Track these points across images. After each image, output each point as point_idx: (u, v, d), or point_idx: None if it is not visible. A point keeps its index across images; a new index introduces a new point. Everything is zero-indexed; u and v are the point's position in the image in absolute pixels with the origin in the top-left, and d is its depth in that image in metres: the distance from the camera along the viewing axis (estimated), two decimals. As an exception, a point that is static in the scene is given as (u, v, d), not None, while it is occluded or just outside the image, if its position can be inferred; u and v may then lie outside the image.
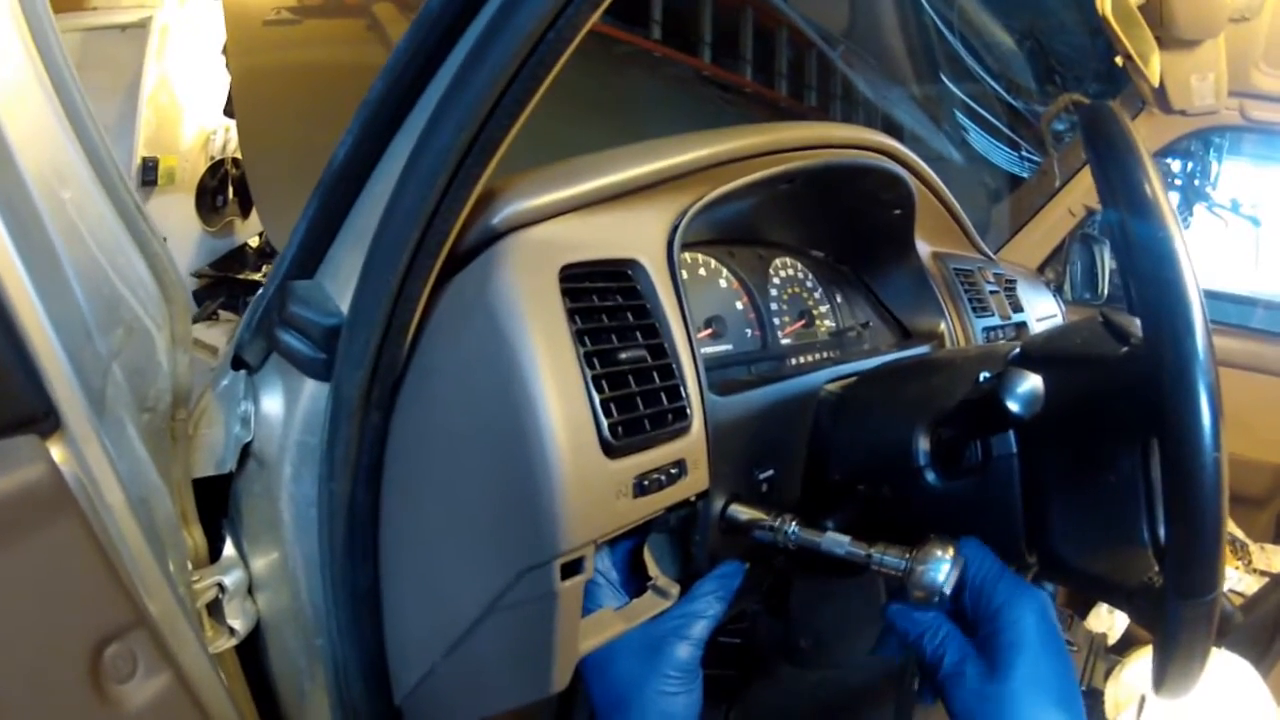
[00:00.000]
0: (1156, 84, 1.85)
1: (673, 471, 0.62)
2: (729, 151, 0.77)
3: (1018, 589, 0.61)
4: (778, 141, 0.83)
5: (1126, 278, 0.61)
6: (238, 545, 0.71)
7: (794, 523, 0.70)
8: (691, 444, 0.64)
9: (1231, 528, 1.82)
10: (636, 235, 0.67)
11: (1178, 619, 0.56)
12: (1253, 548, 1.87)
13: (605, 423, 0.57)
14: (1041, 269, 2.10)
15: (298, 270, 0.64)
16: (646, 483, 0.60)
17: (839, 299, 1.10)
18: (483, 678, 0.63)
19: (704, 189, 0.74)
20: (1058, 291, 1.66)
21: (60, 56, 0.51)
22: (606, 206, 0.67)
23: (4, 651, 0.45)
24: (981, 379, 0.70)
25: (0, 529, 0.45)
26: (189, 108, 2.59)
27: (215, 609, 0.70)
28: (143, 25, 2.52)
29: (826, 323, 1.07)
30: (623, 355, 0.60)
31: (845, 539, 0.67)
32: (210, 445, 0.70)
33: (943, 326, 1.11)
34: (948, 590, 0.61)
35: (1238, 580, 1.60)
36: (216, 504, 0.72)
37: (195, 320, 2.56)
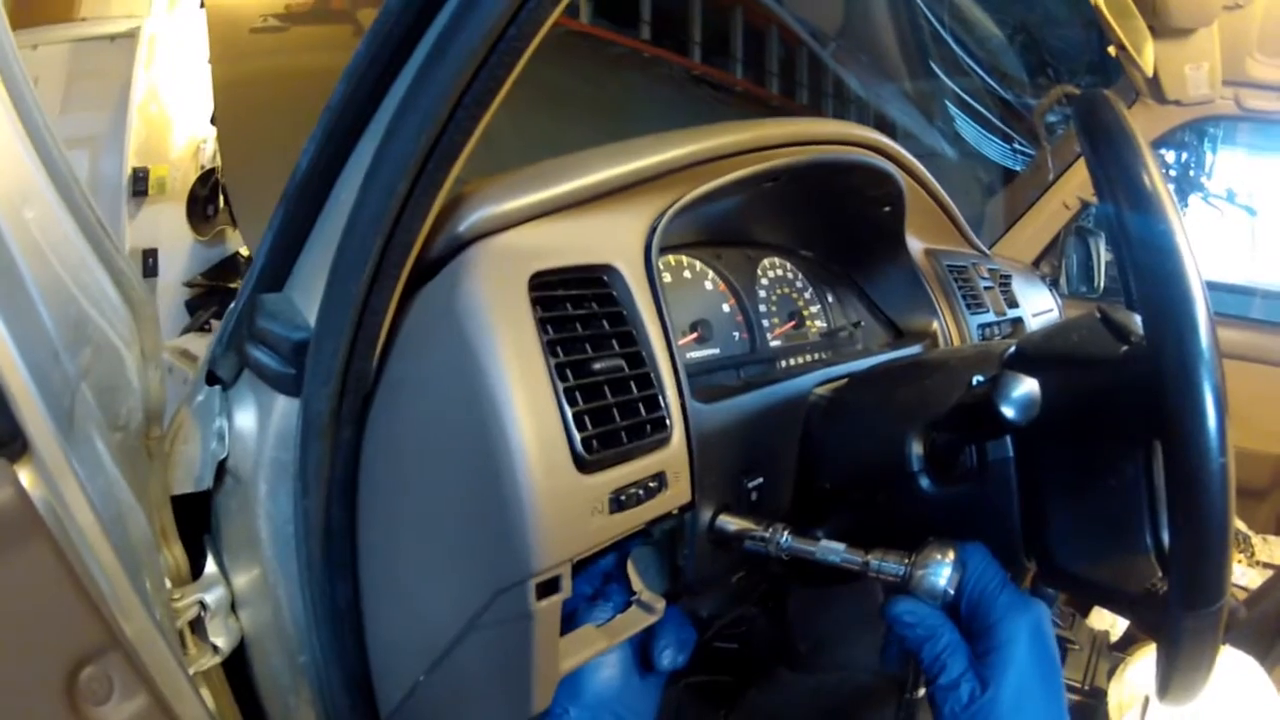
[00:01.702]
0: (1150, 74, 1.84)
1: (652, 485, 0.61)
2: (708, 150, 0.76)
3: (1015, 603, 0.60)
4: (759, 139, 0.81)
5: (1125, 272, 0.60)
6: (219, 562, 0.70)
7: (786, 532, 0.68)
8: (672, 455, 0.63)
9: (1236, 520, 1.80)
10: (612, 239, 0.66)
11: (1183, 629, 0.55)
12: (1255, 540, 1.85)
13: (579, 437, 0.56)
14: (1037, 263, 2.08)
15: (267, 282, 0.63)
16: (624, 498, 0.58)
17: (830, 299, 1.08)
18: (465, 696, 0.62)
19: (683, 189, 0.73)
20: (1054, 285, 1.64)
21: (19, 75, 0.50)
22: (580, 210, 0.65)
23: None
24: (975, 383, 0.68)
25: (-34, 557, 0.45)
26: (179, 117, 2.60)
27: (198, 626, 0.69)
28: (131, 35, 2.52)
29: (818, 323, 1.05)
30: (597, 366, 0.59)
31: (840, 546, 0.66)
32: (187, 462, 0.69)
33: (936, 325, 1.09)
34: (952, 591, 0.60)
35: (1241, 574, 1.58)
36: (199, 520, 0.71)
37: (187, 330, 2.56)
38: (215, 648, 0.68)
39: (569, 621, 0.63)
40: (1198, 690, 0.60)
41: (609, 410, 0.59)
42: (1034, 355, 0.70)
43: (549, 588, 0.55)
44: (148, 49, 2.51)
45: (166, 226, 2.56)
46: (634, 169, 0.68)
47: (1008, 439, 0.66)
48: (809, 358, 0.97)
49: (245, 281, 0.65)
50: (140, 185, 2.50)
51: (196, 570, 0.70)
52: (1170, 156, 2.44)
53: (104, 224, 0.55)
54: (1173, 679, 0.58)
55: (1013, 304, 1.34)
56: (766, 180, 0.81)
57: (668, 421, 0.63)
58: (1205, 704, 1.09)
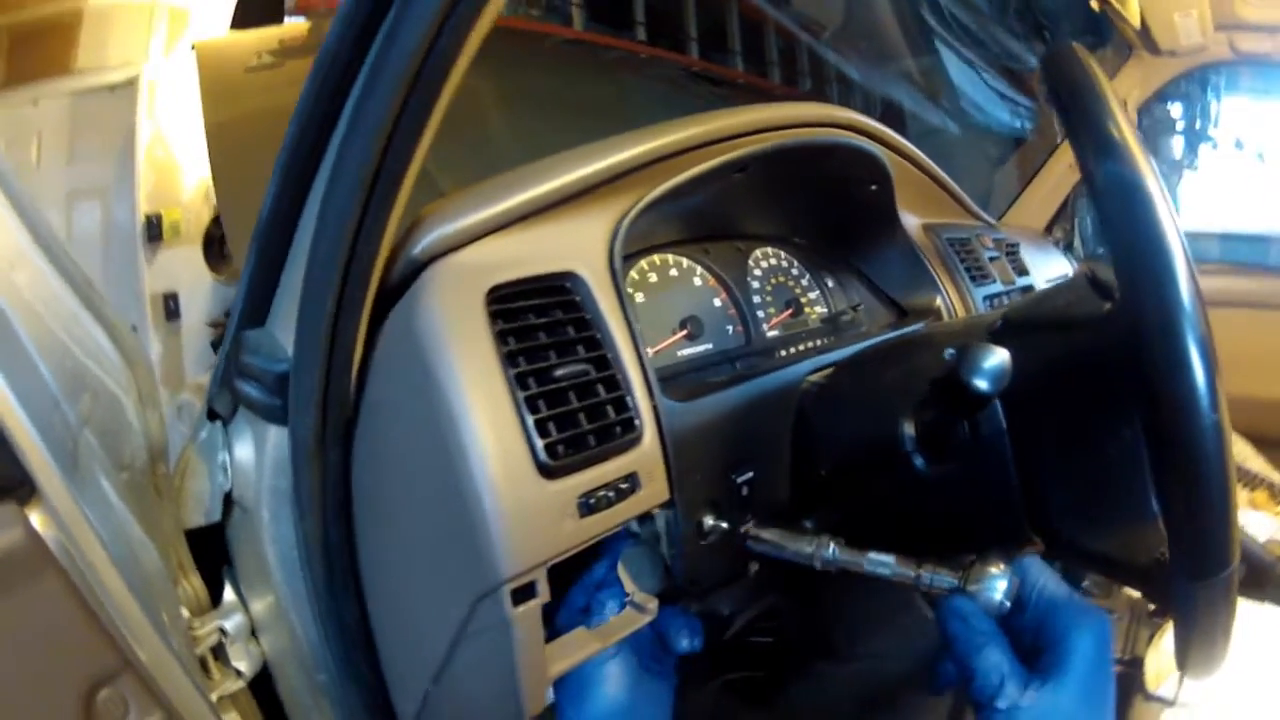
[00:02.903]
0: (1138, 25, 1.78)
1: (623, 486, 0.61)
2: (667, 146, 0.75)
3: (1082, 615, 0.58)
4: (722, 129, 0.80)
5: (1103, 230, 0.58)
6: (236, 590, 0.74)
7: (833, 545, 0.67)
8: (643, 455, 0.63)
9: (1269, 472, 1.71)
10: (573, 246, 0.66)
11: (1192, 601, 0.52)
12: (1286, 492, 1.74)
13: (540, 444, 0.56)
14: (1050, 229, 2.02)
15: (248, 320, 0.66)
16: (593, 500, 0.59)
17: (830, 284, 1.07)
18: (470, 704, 0.63)
19: (646, 189, 0.73)
20: (1068, 249, 1.59)
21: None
22: (539, 219, 0.66)
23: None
24: (947, 356, 0.67)
25: (-14, 588, 0.49)
26: (187, 160, 2.60)
27: (221, 653, 0.72)
28: (131, 84, 2.54)
29: (817, 309, 1.04)
30: (559, 372, 0.60)
31: (890, 559, 0.64)
32: (197, 496, 0.72)
33: (939, 301, 1.07)
34: (1009, 604, 0.58)
35: (1277, 529, 1.48)
36: (219, 552, 0.75)
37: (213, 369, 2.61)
38: (238, 672, 0.72)
39: (567, 627, 0.64)
40: (1218, 661, 0.57)
41: (575, 415, 0.60)
42: (1020, 322, 0.68)
43: (525, 593, 0.56)
44: (148, 96, 2.53)
45: (185, 269, 2.58)
46: (590, 173, 0.69)
47: (999, 411, 0.64)
48: (809, 345, 0.96)
49: (229, 321, 0.69)
50: (154, 231, 2.52)
51: (218, 600, 0.74)
52: (1177, 110, 2.34)
53: (89, 280, 0.59)
54: (1190, 652, 0.56)
55: (1022, 272, 1.30)
56: (734, 170, 0.80)
57: (636, 422, 0.63)
58: (1244, 669, 1.04)
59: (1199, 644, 0.55)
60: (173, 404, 2.39)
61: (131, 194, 2.49)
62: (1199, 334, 0.47)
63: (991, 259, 1.21)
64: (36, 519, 0.55)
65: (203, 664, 0.70)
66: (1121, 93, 2.07)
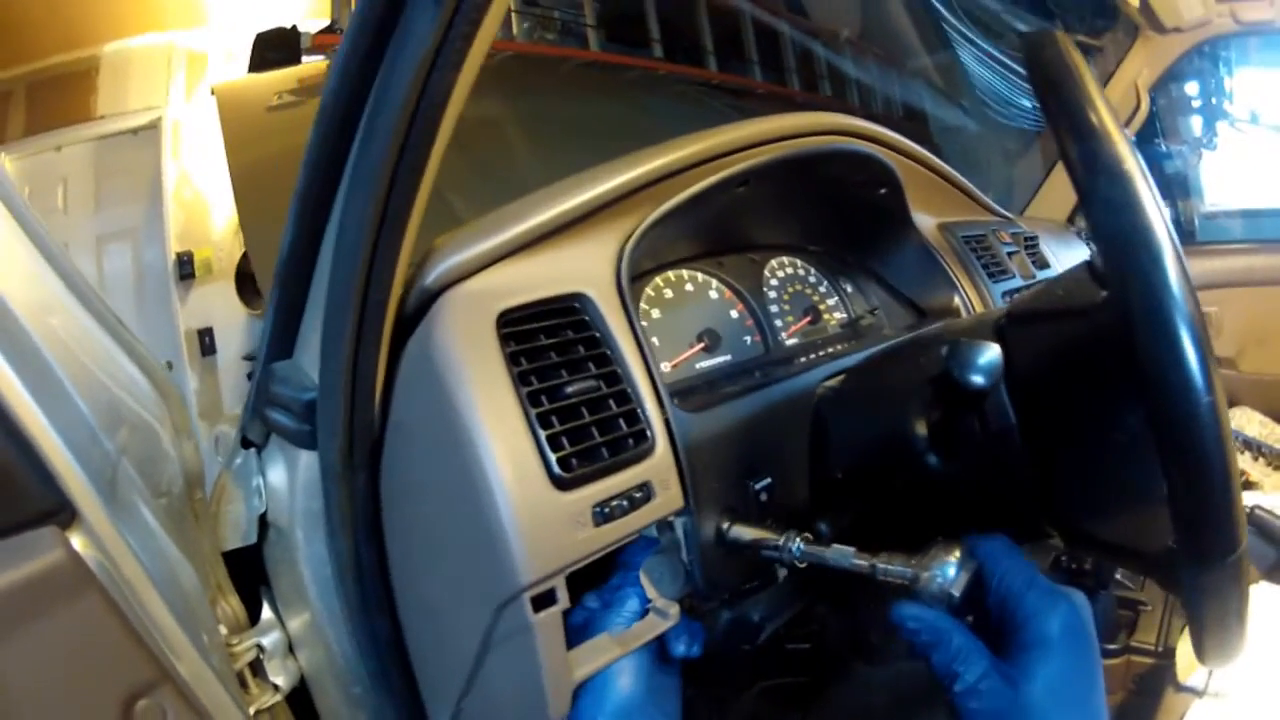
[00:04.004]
0: (1137, 2, 1.76)
1: (637, 495, 0.63)
2: (668, 165, 0.77)
3: (1045, 599, 0.57)
4: (721, 145, 0.82)
5: (1086, 219, 0.58)
6: (274, 608, 0.77)
7: (798, 539, 0.68)
8: (657, 465, 0.65)
9: None
10: (580, 268, 0.69)
11: (1200, 588, 0.52)
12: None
13: (554, 457, 0.59)
14: (1071, 219, 1.99)
15: (276, 352, 0.70)
16: (608, 510, 0.61)
17: (848, 289, 1.07)
18: (500, 710, 0.65)
19: (649, 209, 0.75)
20: (1090, 240, 1.56)
21: (19, 201, 0.58)
22: (545, 244, 0.68)
23: (41, 707, 0.51)
24: (942, 354, 0.68)
25: (30, 607, 0.52)
26: (215, 198, 2.66)
27: (259, 669, 0.75)
28: (154, 126, 2.62)
29: (836, 315, 1.05)
30: (570, 389, 0.62)
31: (849, 551, 0.64)
32: (233, 520, 0.76)
33: (957, 299, 1.07)
34: (956, 594, 0.57)
35: None
36: (257, 573, 0.78)
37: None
38: (276, 686, 0.75)
39: (584, 633, 0.66)
40: (1235, 648, 0.56)
41: (587, 429, 0.62)
42: (1024, 315, 0.68)
43: (545, 600, 0.58)
44: (172, 137, 2.60)
45: (219, 305, 2.63)
46: (592, 196, 0.71)
47: (1007, 404, 0.64)
48: (829, 350, 0.96)
49: (258, 354, 0.72)
50: (186, 269, 2.59)
51: (257, 619, 0.77)
52: (1193, 89, 2.30)
53: (121, 321, 0.63)
54: (1204, 640, 0.55)
55: (1042, 265, 1.29)
56: (735, 185, 0.82)
57: (648, 433, 0.65)
58: (1276, 653, 1.02)
59: (1212, 631, 0.54)
60: (210, 436, 2.46)
61: (161, 234, 2.55)
62: (1188, 317, 0.46)
63: (1010, 253, 1.20)
64: (77, 541, 0.58)
65: (241, 679, 0.73)
66: (1132, 73, 2.04)
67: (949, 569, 0.58)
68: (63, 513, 0.57)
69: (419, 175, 0.53)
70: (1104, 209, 0.50)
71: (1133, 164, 0.50)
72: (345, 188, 0.56)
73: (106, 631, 0.55)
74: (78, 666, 0.53)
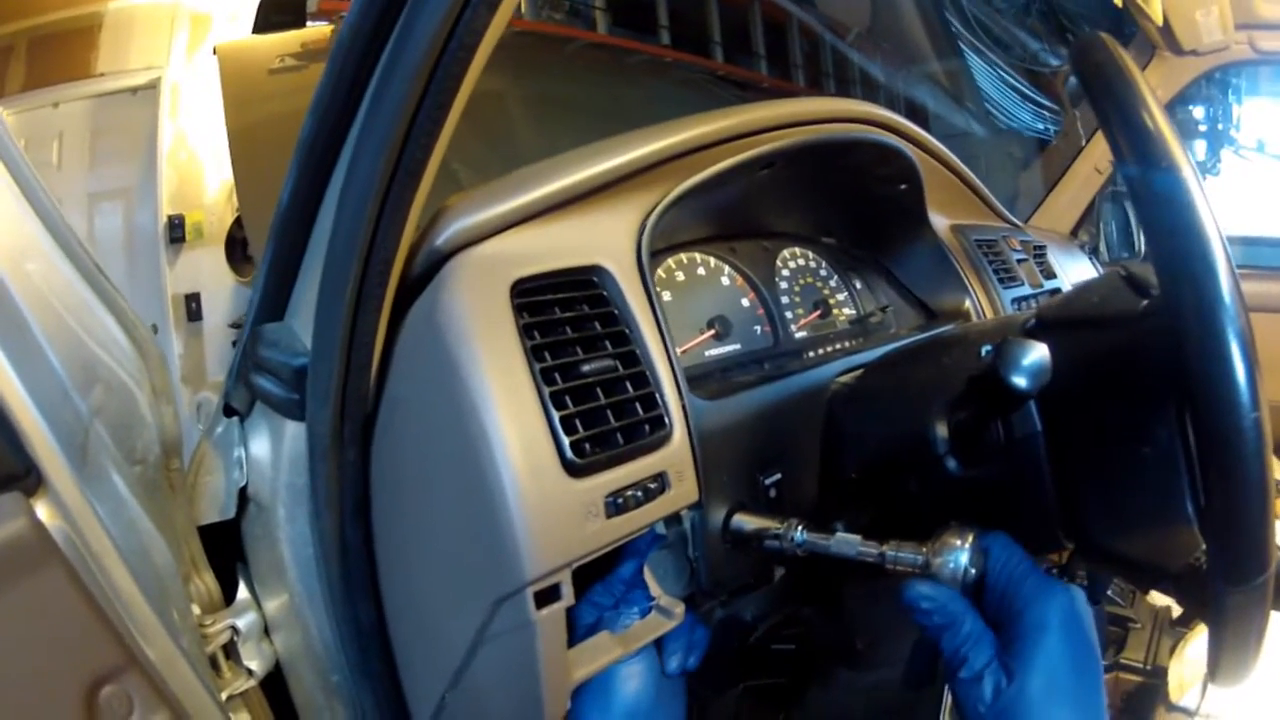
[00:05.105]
0: (1160, 22, 1.77)
1: (652, 486, 0.59)
2: (693, 139, 0.73)
3: (1043, 588, 0.56)
4: (748, 123, 0.78)
5: (1140, 222, 0.56)
6: (250, 588, 0.73)
7: (800, 528, 0.65)
8: (673, 454, 0.61)
9: None
10: (600, 240, 0.65)
11: (1226, 607, 0.51)
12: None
13: (567, 441, 0.55)
14: (1075, 232, 2.00)
15: (266, 313, 0.65)
16: (621, 500, 0.57)
17: (858, 285, 1.05)
18: (488, 709, 0.61)
19: (673, 183, 0.71)
20: (1094, 254, 1.57)
21: (6, 136, 0.53)
22: (565, 212, 0.64)
23: (-1, 691, 0.47)
24: (984, 353, 0.65)
25: (-13, 580, 0.47)
26: (209, 162, 2.62)
27: (233, 651, 0.71)
28: (153, 86, 2.56)
29: (845, 310, 1.02)
30: (586, 368, 0.58)
31: (855, 539, 0.63)
32: (211, 492, 0.71)
33: (968, 303, 1.05)
34: (973, 573, 0.57)
35: None
36: (234, 549, 0.74)
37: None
38: (250, 671, 0.70)
39: (591, 632, 0.62)
40: (1248, 671, 0.56)
41: (602, 411, 0.58)
42: (1054, 320, 0.66)
43: (548, 596, 0.54)
44: (171, 98, 2.55)
45: (207, 270, 2.59)
46: (615, 166, 0.67)
47: (1033, 411, 0.62)
48: (837, 346, 0.94)
49: (247, 315, 0.67)
50: (177, 232, 2.54)
51: (231, 598, 0.72)
52: (1199, 113, 2.34)
53: (102, 270, 0.58)
54: (1222, 659, 0.55)
55: (1049, 275, 1.28)
56: (760, 166, 0.79)
57: (666, 420, 0.61)
58: (1270, 677, 1.02)
59: (1231, 651, 0.54)
60: (192, 402, 2.40)
61: (154, 196, 2.52)
62: (1239, 329, 0.46)
63: (1019, 261, 1.19)
64: (42, 510, 0.54)
65: (213, 662, 0.69)
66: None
67: (961, 554, 0.57)
68: (28, 478, 0.53)
69: (438, 125, 0.48)
70: (1162, 220, 0.49)
71: (1190, 174, 0.49)
72: (356, 134, 0.51)
73: (70, 610, 0.51)
74: (36, 649, 0.49)
